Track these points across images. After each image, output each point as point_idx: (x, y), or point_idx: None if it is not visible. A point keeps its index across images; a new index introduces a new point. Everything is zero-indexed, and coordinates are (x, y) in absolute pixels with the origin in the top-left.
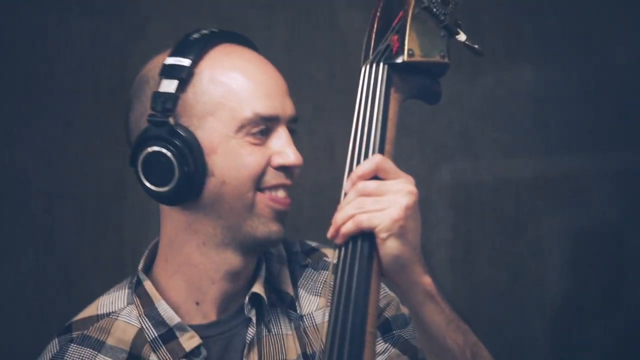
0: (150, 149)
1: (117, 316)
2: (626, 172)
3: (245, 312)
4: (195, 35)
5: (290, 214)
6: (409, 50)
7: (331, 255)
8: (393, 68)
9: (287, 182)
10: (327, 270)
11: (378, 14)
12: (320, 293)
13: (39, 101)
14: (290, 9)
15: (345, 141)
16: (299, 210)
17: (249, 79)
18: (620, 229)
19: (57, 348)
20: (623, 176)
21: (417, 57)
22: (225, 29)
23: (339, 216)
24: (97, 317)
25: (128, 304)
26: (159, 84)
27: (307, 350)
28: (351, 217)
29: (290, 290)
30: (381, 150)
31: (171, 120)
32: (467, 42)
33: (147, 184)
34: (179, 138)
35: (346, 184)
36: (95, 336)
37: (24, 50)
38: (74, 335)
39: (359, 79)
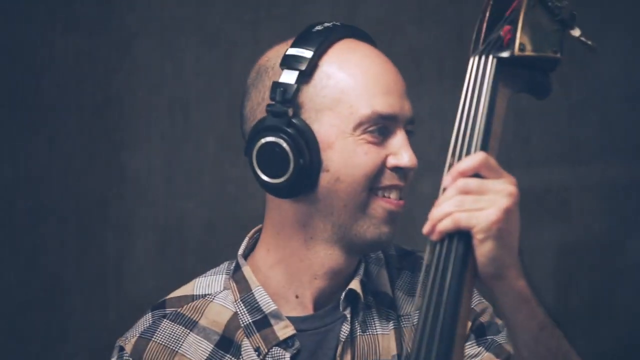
0: (266, 139)
1: (213, 299)
2: (608, 184)
3: (341, 308)
4: (319, 28)
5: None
6: (520, 44)
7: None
8: (502, 61)
9: (401, 183)
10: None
11: (491, 1)
12: (418, 294)
13: (23, 118)
14: (273, 24)
15: None
16: None
17: (370, 76)
18: (603, 242)
19: (150, 322)
20: (605, 189)
21: (529, 52)
22: (346, 23)
23: (436, 212)
24: (193, 297)
25: (224, 288)
26: (279, 74)
27: (405, 350)
28: (449, 214)
29: (389, 291)
30: (484, 146)
31: (290, 112)
32: (581, 38)
33: (261, 175)
34: (296, 130)
35: (446, 178)
36: (189, 315)
37: (8, 67)
38: (167, 312)
39: (467, 70)
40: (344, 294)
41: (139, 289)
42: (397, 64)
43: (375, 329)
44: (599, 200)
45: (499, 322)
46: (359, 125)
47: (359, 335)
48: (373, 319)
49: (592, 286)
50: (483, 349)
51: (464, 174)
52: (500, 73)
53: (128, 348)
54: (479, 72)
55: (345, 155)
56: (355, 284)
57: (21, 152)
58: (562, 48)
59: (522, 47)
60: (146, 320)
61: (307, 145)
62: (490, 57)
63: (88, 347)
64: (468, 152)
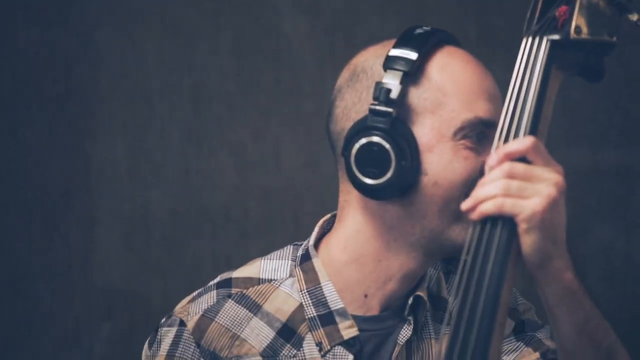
0: (368, 139)
1: (279, 285)
2: (571, 172)
3: (406, 313)
4: (420, 31)
5: (238, 219)
6: (576, 27)
7: None
8: (556, 44)
9: None
10: None
11: None
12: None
13: None
14: (236, 14)
15: (292, 147)
16: (246, 215)
17: (473, 82)
18: (567, 229)
19: (214, 300)
20: (568, 176)
21: (584, 35)
22: (441, 29)
23: (480, 192)
24: (259, 280)
25: (290, 275)
26: (379, 74)
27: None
28: (493, 197)
29: (447, 296)
30: (534, 131)
31: (394, 112)
32: (639, 22)
33: (359, 175)
34: (399, 131)
35: (492, 157)
36: (254, 298)
37: None
38: (232, 292)
39: (519, 50)
40: (411, 299)
41: (104, 279)
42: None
43: (430, 333)
44: (570, 185)
45: (540, 321)
46: (460, 129)
47: (417, 340)
48: (428, 323)
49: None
50: (522, 343)
51: (511, 156)
52: (554, 56)
53: (190, 325)
54: (532, 54)
55: (445, 160)
56: (422, 291)
57: None
58: (618, 32)
59: (578, 30)
60: (210, 297)
61: (408, 147)
62: (545, 38)
63: (54, 337)
64: (516, 136)
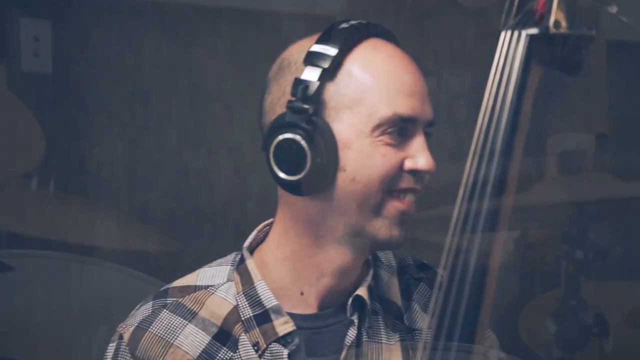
0: (284, 136)
1: (215, 290)
2: (569, 174)
3: (348, 314)
4: (344, 25)
5: (237, 219)
6: (555, 21)
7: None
8: (535, 38)
9: (417, 187)
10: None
11: None
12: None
13: None
14: (235, 15)
15: None
16: (244, 216)
17: (393, 77)
18: (564, 232)
19: (150, 311)
20: (572, 177)
21: (563, 29)
22: (371, 22)
23: None
24: (195, 288)
25: (228, 280)
26: (301, 69)
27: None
28: None
29: (399, 301)
30: (514, 124)
31: (310, 109)
32: (618, 16)
33: (277, 171)
34: (315, 128)
35: None
36: (189, 306)
37: None
38: (168, 301)
39: (498, 44)
40: (350, 300)
41: (102, 281)
42: None
43: (380, 337)
44: (560, 190)
45: (504, 356)
46: (378, 126)
47: (365, 341)
48: (379, 326)
49: (555, 277)
50: None
51: None
52: (533, 50)
53: (126, 337)
54: (510, 48)
55: (363, 156)
56: (362, 291)
57: None
58: (597, 25)
59: (556, 24)
60: (146, 309)
61: (325, 143)
62: (523, 33)
63: (51, 339)
64: (496, 131)
